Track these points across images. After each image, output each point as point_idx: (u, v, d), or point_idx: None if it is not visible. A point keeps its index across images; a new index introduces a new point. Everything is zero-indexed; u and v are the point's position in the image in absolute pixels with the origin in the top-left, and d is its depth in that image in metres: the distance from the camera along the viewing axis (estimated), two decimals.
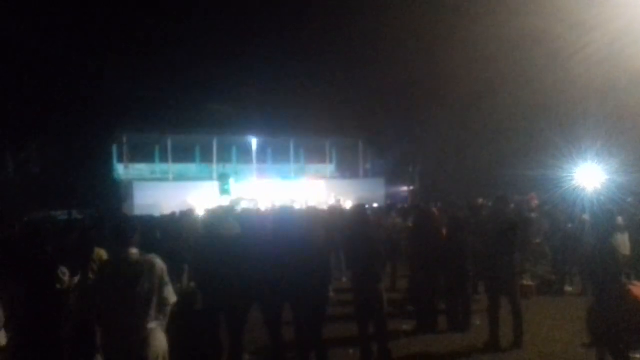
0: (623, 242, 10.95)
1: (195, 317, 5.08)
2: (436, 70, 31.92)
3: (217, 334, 6.27)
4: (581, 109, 23.58)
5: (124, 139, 26.76)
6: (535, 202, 12.99)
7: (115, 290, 4.22)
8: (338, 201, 22.46)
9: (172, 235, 8.71)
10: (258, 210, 14.81)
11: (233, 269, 5.80)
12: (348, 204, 21.34)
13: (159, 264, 4.37)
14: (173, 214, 12.26)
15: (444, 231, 8.53)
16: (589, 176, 15.90)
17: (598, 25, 17.97)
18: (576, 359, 6.57)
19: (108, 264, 4.54)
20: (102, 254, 6.64)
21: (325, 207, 17.39)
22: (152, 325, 4.25)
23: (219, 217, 6.98)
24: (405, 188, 33.65)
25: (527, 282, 10.05)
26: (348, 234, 6.95)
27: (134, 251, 4.38)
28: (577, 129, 21.69)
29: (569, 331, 7.77)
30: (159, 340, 4.30)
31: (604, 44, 18.47)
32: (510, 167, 23.73)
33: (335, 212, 13.12)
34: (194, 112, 32.01)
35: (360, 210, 7.03)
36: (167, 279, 4.41)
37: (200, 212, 12.52)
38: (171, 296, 4.43)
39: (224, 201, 21.70)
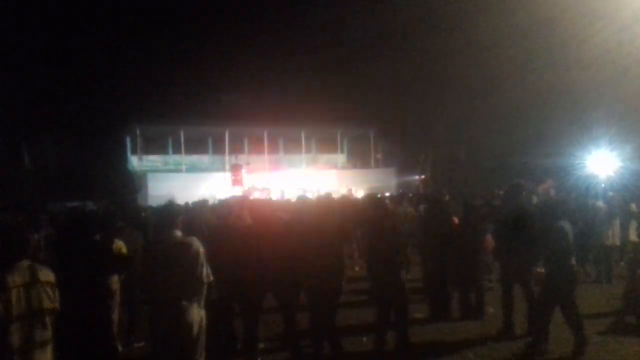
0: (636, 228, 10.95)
1: (210, 306, 5.23)
2: (447, 58, 31.82)
3: (232, 322, 6.36)
4: (593, 97, 23.37)
5: (138, 131, 26.91)
6: (552, 190, 12.94)
7: (160, 268, 4.55)
8: (349, 191, 22.53)
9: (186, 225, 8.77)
10: (271, 199, 14.87)
11: (247, 258, 5.83)
12: (359, 194, 21.41)
13: (196, 245, 4.68)
14: (186, 205, 12.34)
15: (456, 219, 8.54)
16: (602, 163, 15.83)
17: (609, 12, 17.77)
18: (591, 346, 6.47)
19: (154, 244, 4.85)
20: (121, 245, 6.74)
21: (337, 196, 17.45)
22: (186, 303, 4.52)
23: (230, 207, 7.05)
24: (416, 177, 33.64)
25: (541, 269, 9.96)
26: (367, 223, 6.96)
27: (178, 233, 4.74)
28: (589, 117, 21.55)
29: (584, 318, 7.74)
30: (194, 317, 4.57)
31: (614, 30, 18.27)
32: (522, 155, 23.62)
33: (347, 202, 13.17)
34: (206, 104, 32.15)
35: (379, 200, 7.06)
36: (202, 260, 4.68)
37: (213, 202, 12.59)
38: (205, 277, 4.69)
39: (237, 192, 21.84)
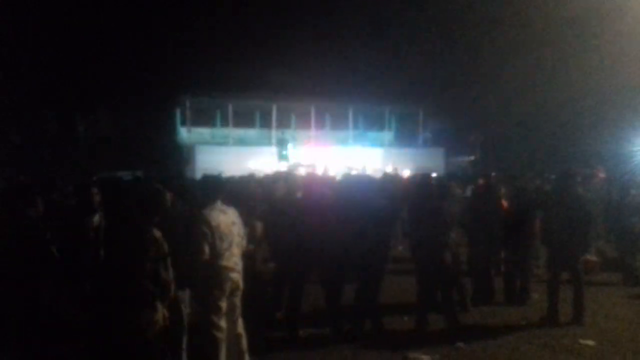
0: None
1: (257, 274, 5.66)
2: (500, 37, 30.91)
3: (266, 292, 6.47)
4: None
5: (187, 103, 27.22)
6: (601, 176, 12.44)
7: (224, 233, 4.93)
8: (395, 169, 22.26)
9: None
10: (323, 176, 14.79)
11: (300, 232, 6.01)
12: (405, 173, 21.16)
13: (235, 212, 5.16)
14: (233, 178, 12.36)
15: (505, 202, 8.34)
16: None
17: None
18: (638, 337, 6.37)
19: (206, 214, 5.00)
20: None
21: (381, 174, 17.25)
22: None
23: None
24: (465, 158, 32.96)
25: (592, 257, 9.64)
26: (413, 203, 6.96)
27: (220, 203, 5.04)
28: None
29: (633, 310, 7.56)
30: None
31: None
32: (576, 139, 22.90)
33: (393, 181, 13.03)
34: (254, 78, 32.26)
35: (424, 179, 7.02)
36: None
37: (259, 176, 12.58)
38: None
39: (282, 166, 21.90)
